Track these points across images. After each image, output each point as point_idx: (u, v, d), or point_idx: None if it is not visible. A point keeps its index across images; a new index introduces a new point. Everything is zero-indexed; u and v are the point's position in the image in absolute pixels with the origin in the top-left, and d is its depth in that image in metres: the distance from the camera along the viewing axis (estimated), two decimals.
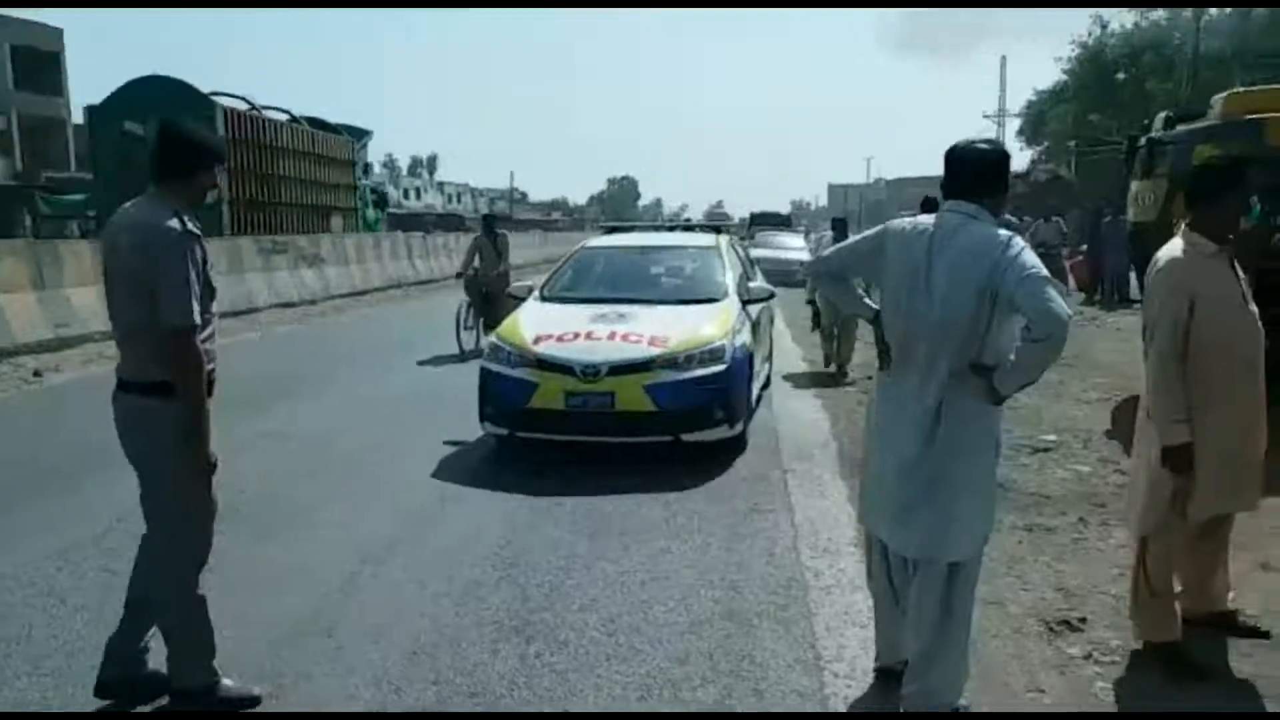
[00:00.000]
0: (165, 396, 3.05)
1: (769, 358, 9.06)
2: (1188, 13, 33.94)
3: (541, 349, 6.37)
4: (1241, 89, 8.33)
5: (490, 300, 11.32)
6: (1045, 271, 2.85)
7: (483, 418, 6.55)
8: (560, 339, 6.44)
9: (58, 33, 44.96)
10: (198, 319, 3.03)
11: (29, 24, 43.30)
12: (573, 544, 4.86)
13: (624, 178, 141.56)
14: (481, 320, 11.45)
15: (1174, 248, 3.46)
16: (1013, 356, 2.86)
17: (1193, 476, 3.36)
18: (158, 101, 19.39)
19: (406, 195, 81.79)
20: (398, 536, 5.00)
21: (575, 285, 7.91)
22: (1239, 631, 3.70)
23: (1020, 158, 48.83)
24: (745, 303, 7.40)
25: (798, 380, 9.83)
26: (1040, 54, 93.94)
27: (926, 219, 3.13)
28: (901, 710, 3.10)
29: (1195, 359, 3.36)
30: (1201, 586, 3.72)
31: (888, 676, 3.34)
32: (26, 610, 4.09)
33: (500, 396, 6.42)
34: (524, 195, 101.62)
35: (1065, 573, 4.43)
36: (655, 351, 6.26)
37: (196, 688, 3.23)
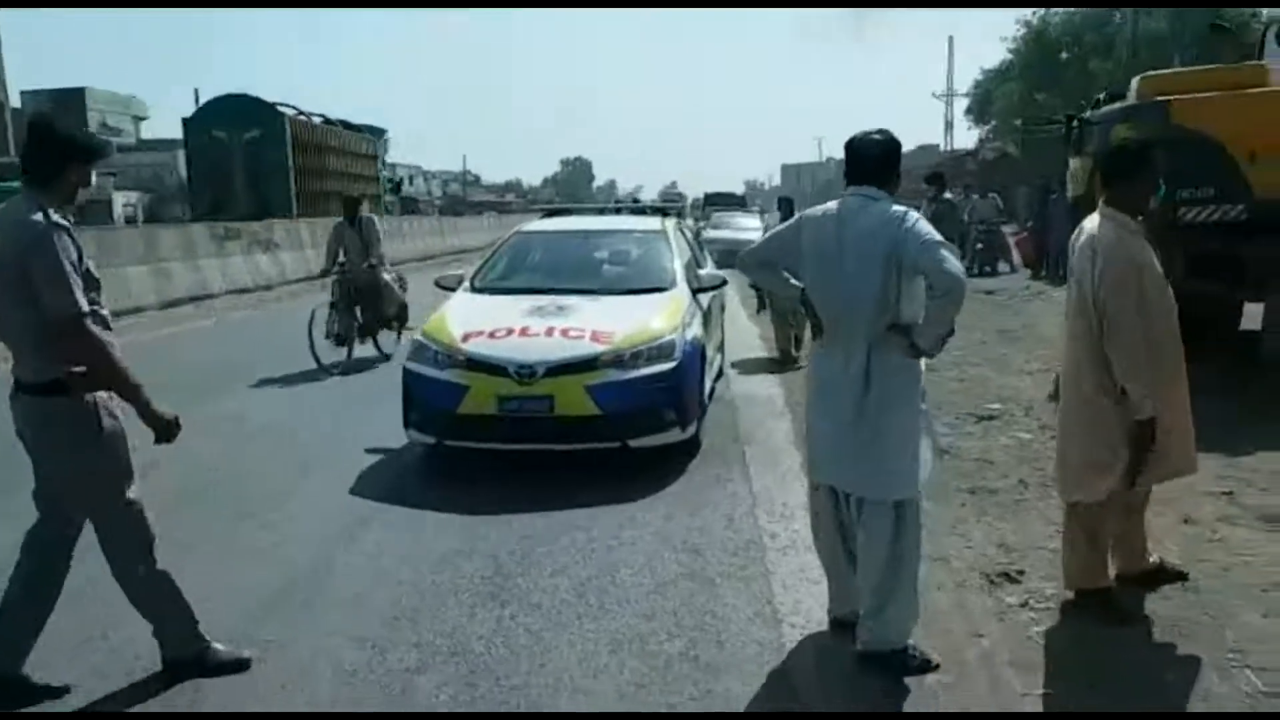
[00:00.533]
0: (61, 394, 3.08)
1: (721, 347, 8.47)
2: None
3: (471, 347, 5.79)
4: (1154, 72, 8.68)
5: (364, 298, 9.86)
6: (939, 237, 3.30)
7: (407, 424, 5.95)
8: (492, 335, 5.86)
9: None
10: (84, 305, 3.03)
11: None
12: (530, 522, 5.06)
13: (577, 159, 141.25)
14: (357, 325, 9.85)
15: (1103, 225, 3.64)
16: (923, 320, 3.32)
17: (1154, 448, 3.59)
18: (236, 113, 27.18)
19: None
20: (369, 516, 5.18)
21: (510, 274, 7.30)
22: (1165, 579, 3.99)
23: (969, 136, 49.63)
24: (695, 291, 6.91)
25: (751, 365, 9.71)
26: (987, 33, 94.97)
27: (833, 204, 3.51)
28: (858, 650, 3.37)
29: (1147, 333, 3.54)
30: (1128, 545, 3.99)
31: (841, 626, 3.60)
32: None
33: (426, 401, 5.84)
34: (477, 178, 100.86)
35: (1005, 530, 4.71)
36: (598, 349, 5.70)
37: (187, 657, 3.38)
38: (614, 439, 5.64)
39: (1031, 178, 29.60)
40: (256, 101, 27.71)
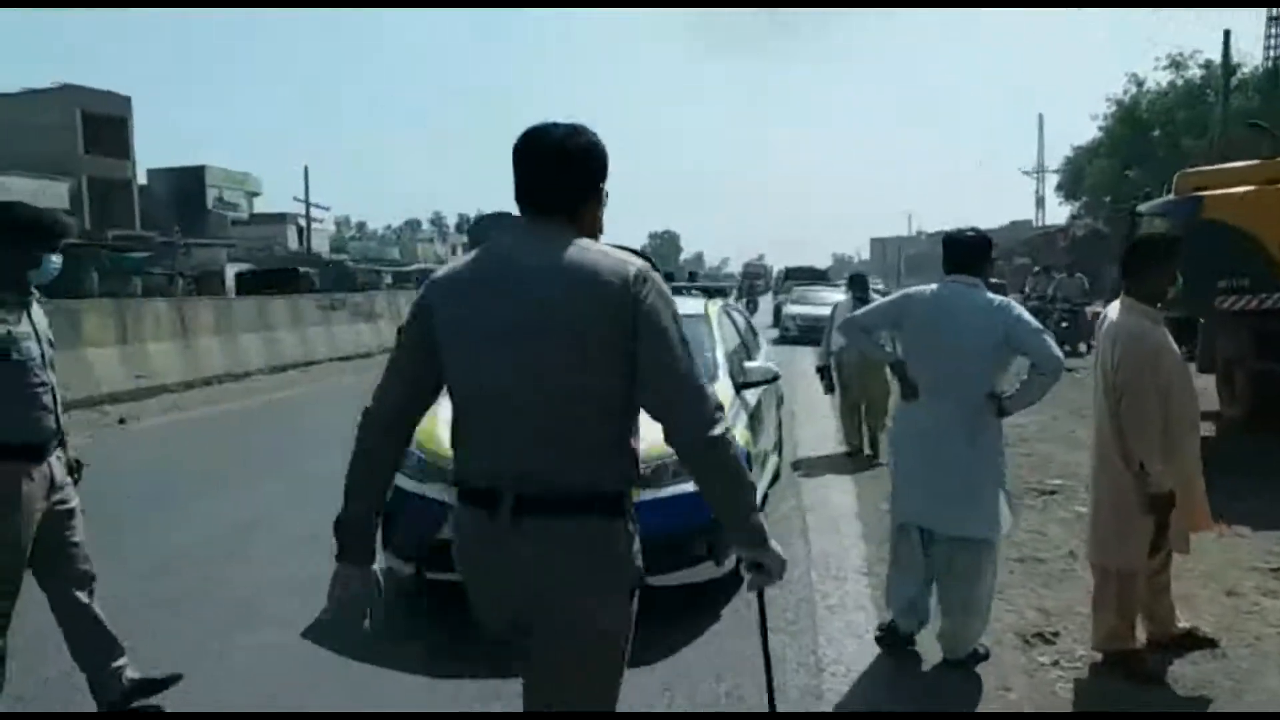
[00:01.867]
0: None
1: (778, 447, 7.78)
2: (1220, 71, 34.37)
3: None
4: (1193, 169, 9.07)
5: None
6: (1041, 326, 4.10)
7: (385, 544, 4.80)
8: None
9: (126, 100, 47.38)
10: None
11: (98, 92, 45.72)
12: None
13: (665, 232, 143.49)
14: None
15: (1124, 314, 3.98)
16: (1018, 386, 4.10)
17: (1167, 517, 3.89)
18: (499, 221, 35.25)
19: (454, 251, 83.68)
20: None
21: None
22: (1194, 644, 4.21)
23: (1060, 212, 49.13)
24: (740, 386, 6.08)
25: (819, 464, 8.65)
26: (1078, 110, 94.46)
27: (935, 286, 4.22)
28: (944, 657, 4.12)
29: (1165, 414, 3.85)
30: (1156, 610, 4.22)
31: (893, 636, 4.27)
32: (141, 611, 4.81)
33: (404, 521, 4.82)
34: None
35: (1048, 596, 4.96)
36: None
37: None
38: None
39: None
40: (508, 214, 41.60)
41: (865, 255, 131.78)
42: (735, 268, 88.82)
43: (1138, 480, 3.83)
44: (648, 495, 4.58)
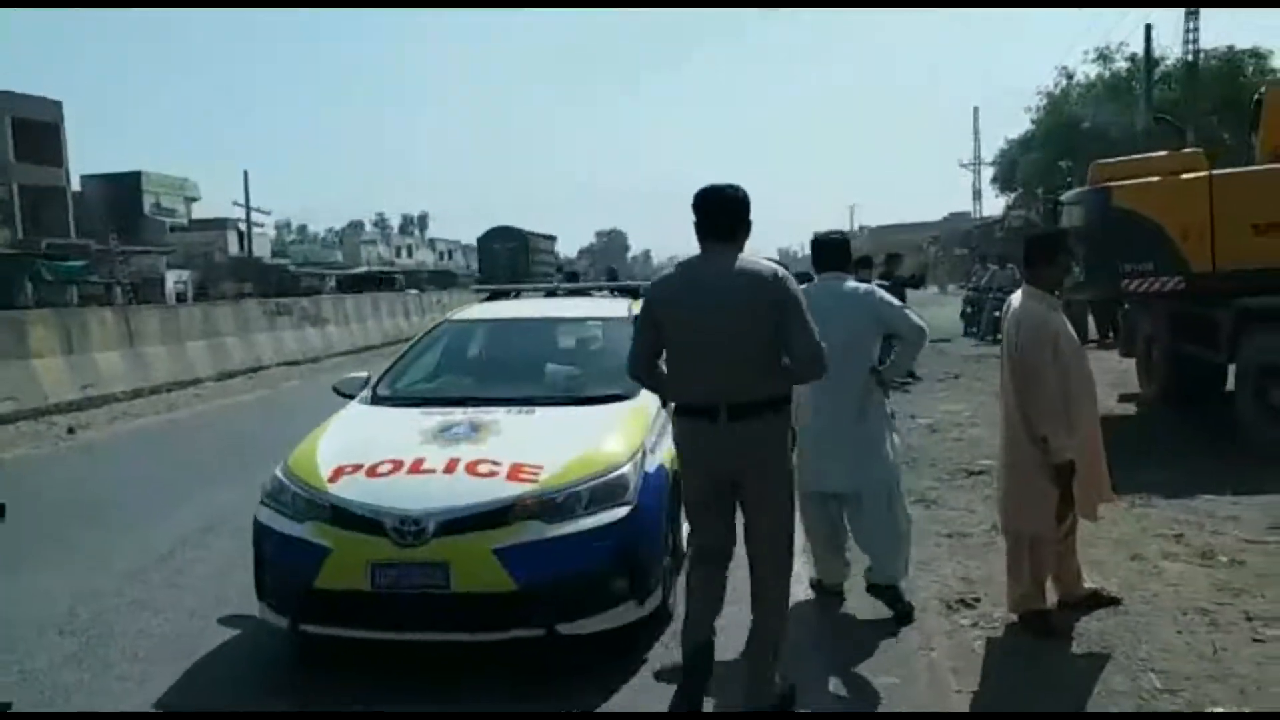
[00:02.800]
0: None
1: None
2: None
3: (338, 489, 4.19)
4: (1105, 161, 9.62)
5: None
6: (899, 303, 4.80)
7: (260, 594, 4.34)
8: (372, 472, 4.26)
9: (57, 105, 46.42)
10: None
11: (29, 98, 44.74)
12: None
13: (612, 230, 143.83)
14: None
15: (1025, 301, 4.38)
16: (893, 356, 4.87)
17: (1069, 485, 4.27)
18: (502, 233, 50.80)
19: (398, 253, 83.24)
20: None
21: (425, 377, 5.84)
22: (1100, 603, 4.61)
23: (996, 204, 50.38)
24: None
25: None
26: (1015, 103, 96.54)
27: (816, 283, 4.74)
28: (868, 582, 4.71)
29: (1064, 391, 4.24)
30: (1064, 573, 4.61)
31: (824, 591, 4.90)
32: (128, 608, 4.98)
33: (276, 567, 4.26)
34: None
35: (972, 567, 5.33)
36: (516, 490, 4.11)
37: None
38: (537, 624, 4.00)
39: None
40: (513, 228, 51.51)
41: (808, 251, 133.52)
42: None
43: (1040, 452, 4.22)
44: (557, 530, 4.04)
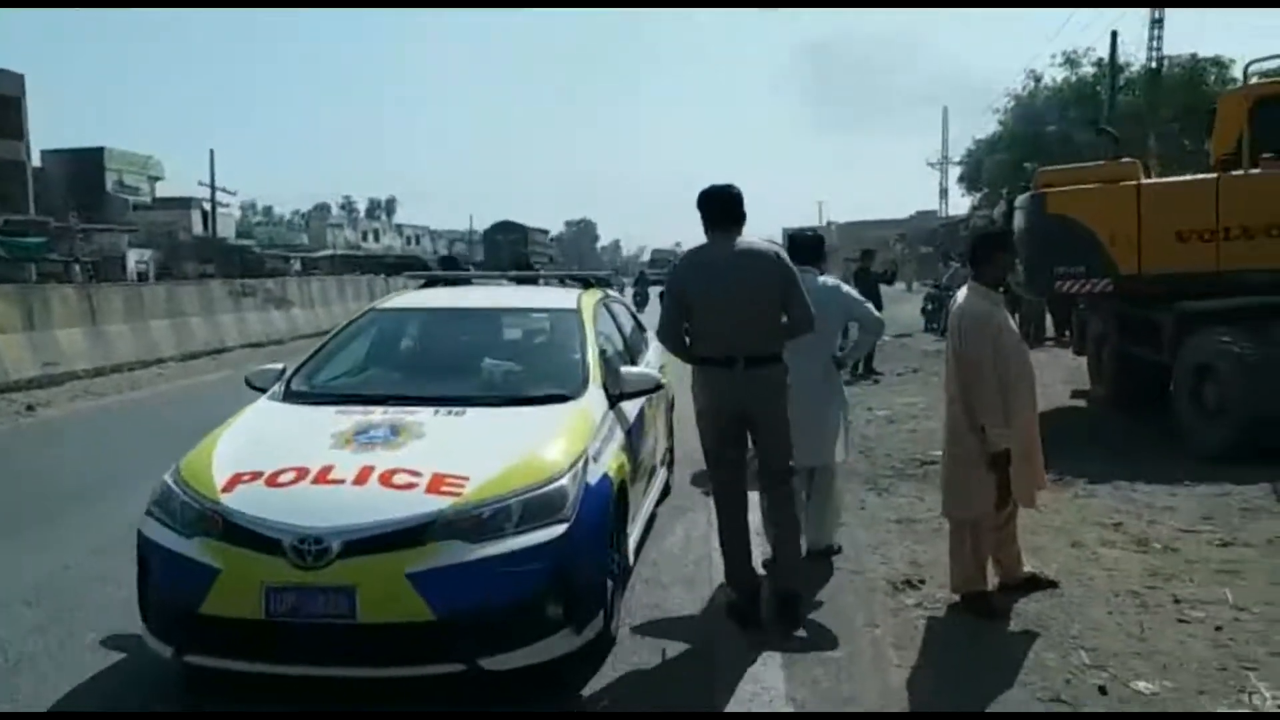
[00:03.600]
0: None
1: (668, 459, 6.71)
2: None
3: (231, 500, 3.72)
4: (1048, 167, 10.18)
5: None
6: (861, 297, 5.59)
7: (144, 616, 3.86)
8: (273, 480, 3.80)
9: (19, 79, 45.58)
10: None
11: None
12: None
13: (582, 220, 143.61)
14: None
15: (969, 296, 4.58)
16: (851, 344, 5.87)
17: (1006, 473, 4.47)
18: (503, 226, 73.64)
19: (365, 237, 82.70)
20: None
21: (346, 371, 5.26)
22: (1038, 586, 4.82)
23: (961, 204, 51.04)
24: (617, 398, 4.85)
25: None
26: (984, 105, 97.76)
27: None
28: (808, 549, 5.15)
29: (1003, 383, 4.44)
30: (1004, 557, 4.81)
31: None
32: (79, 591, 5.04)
33: (160, 588, 3.76)
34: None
35: (919, 552, 5.53)
36: (436, 505, 3.65)
37: None
38: (457, 657, 3.56)
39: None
40: (513, 223, 58.00)
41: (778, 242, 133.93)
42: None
43: (980, 441, 4.41)
44: (482, 550, 3.57)
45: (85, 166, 51.84)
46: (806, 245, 5.54)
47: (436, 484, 3.74)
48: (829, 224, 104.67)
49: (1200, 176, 8.84)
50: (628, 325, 6.51)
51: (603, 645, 4.06)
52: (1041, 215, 8.67)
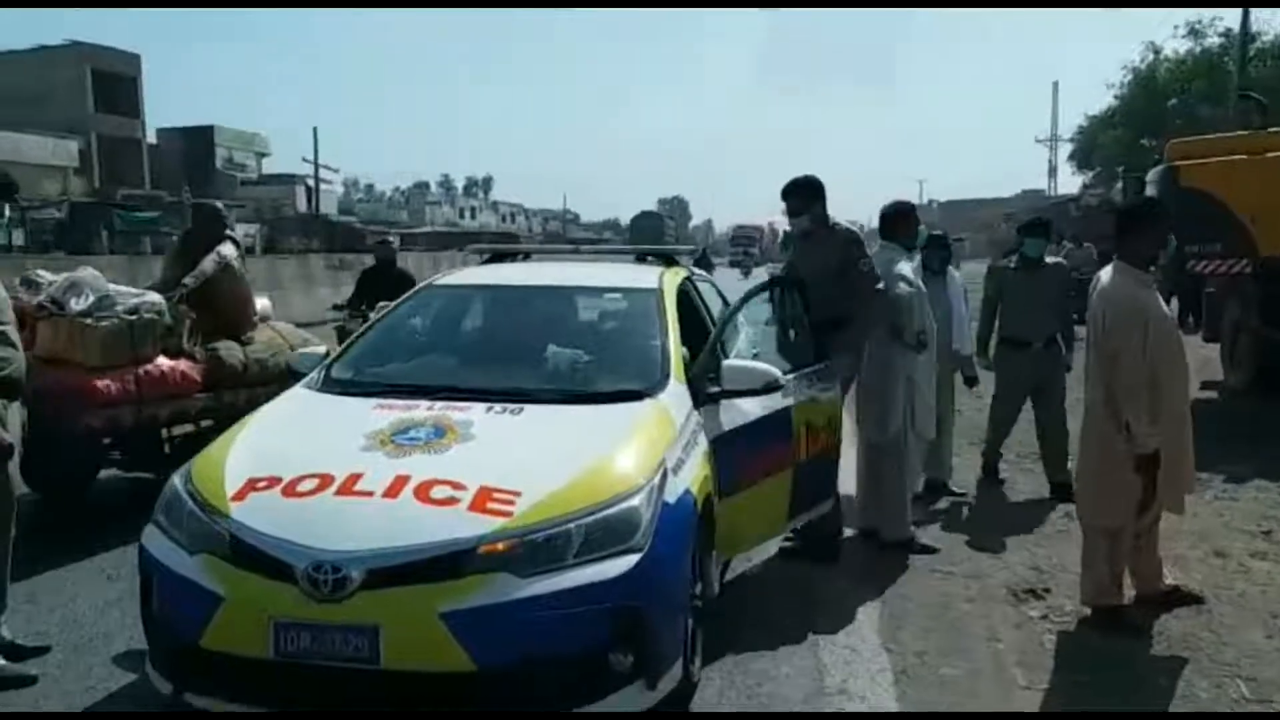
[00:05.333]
0: None
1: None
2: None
3: (243, 511, 3.13)
4: (1181, 139, 9.56)
5: None
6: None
7: (149, 642, 3.36)
8: (291, 488, 3.18)
9: (136, 58, 47.28)
10: None
11: (108, 50, 45.63)
12: None
13: (675, 198, 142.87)
14: None
15: (1114, 277, 4.05)
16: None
17: (1154, 476, 3.98)
18: (651, 216, 66.99)
19: (462, 215, 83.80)
20: None
21: (391, 356, 4.47)
22: (1180, 601, 4.32)
23: (1073, 182, 48.94)
24: (708, 397, 3.93)
25: None
26: (1094, 79, 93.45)
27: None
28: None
29: (1153, 377, 3.92)
30: (1143, 568, 4.31)
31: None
32: None
33: (159, 616, 3.23)
34: (576, 216, 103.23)
35: (1041, 555, 5.06)
36: (481, 527, 2.99)
37: None
38: (500, 708, 2.99)
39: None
40: (652, 212, 60.08)
41: (875, 223, 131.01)
42: None
43: (1125, 440, 3.92)
44: (535, 586, 2.91)
45: (196, 144, 53.38)
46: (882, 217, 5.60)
47: (482, 500, 3.06)
48: (930, 202, 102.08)
49: None
50: (718, 310, 5.32)
51: (682, 693, 3.32)
52: (1174, 190, 8.11)
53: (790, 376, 4.34)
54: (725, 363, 4.04)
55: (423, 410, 3.63)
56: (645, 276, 4.74)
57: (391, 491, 3.11)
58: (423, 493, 3.10)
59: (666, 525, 3.17)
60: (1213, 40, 38.65)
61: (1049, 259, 6.63)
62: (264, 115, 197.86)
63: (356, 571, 2.90)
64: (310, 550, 2.94)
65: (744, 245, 44.97)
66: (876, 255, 5.24)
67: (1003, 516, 5.77)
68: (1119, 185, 36.45)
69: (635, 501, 3.13)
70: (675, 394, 3.81)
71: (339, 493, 3.13)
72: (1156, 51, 41.40)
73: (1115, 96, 43.40)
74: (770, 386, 4.01)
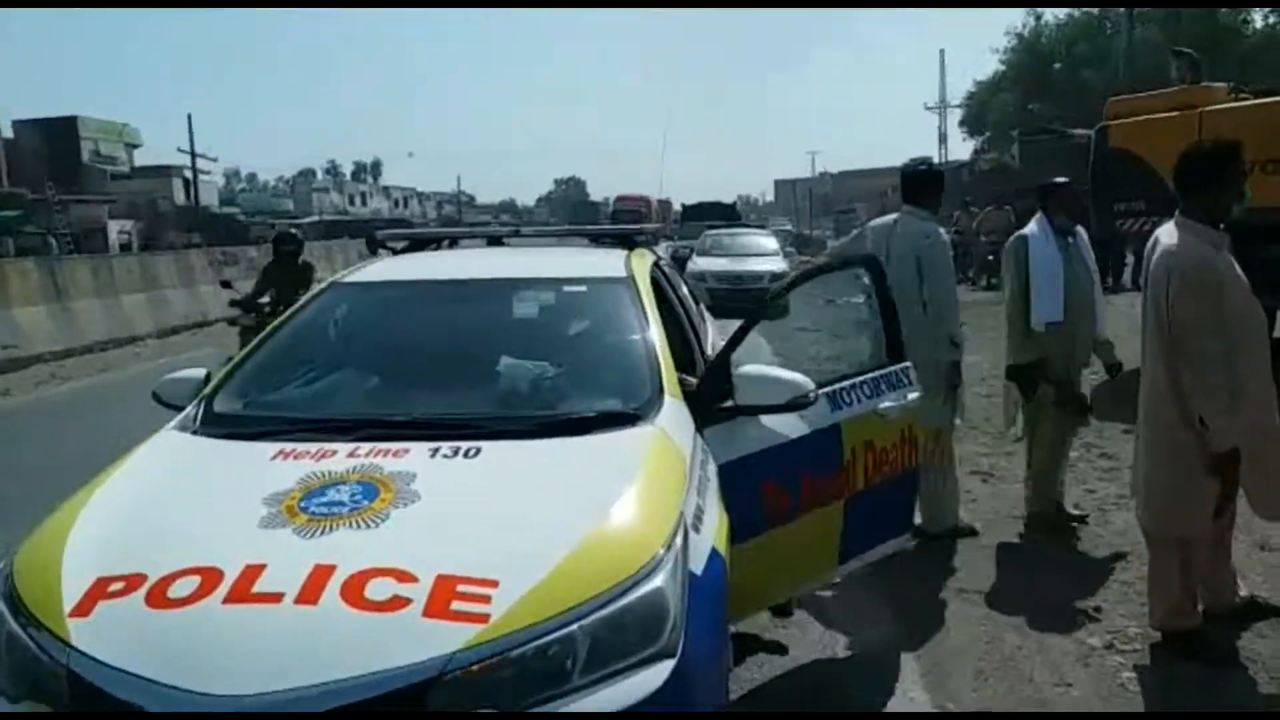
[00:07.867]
0: None
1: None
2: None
3: (85, 631, 2.02)
4: (1119, 96, 9.51)
5: None
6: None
7: None
8: (159, 592, 2.07)
9: None
10: None
11: None
12: None
13: (571, 178, 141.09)
14: None
15: (1181, 237, 3.36)
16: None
17: (1235, 477, 3.32)
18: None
19: (352, 201, 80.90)
20: None
21: (287, 378, 3.33)
22: (1257, 614, 3.72)
23: (964, 148, 49.70)
24: (715, 416, 3.03)
25: None
26: (980, 45, 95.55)
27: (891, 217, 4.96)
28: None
29: (1230, 357, 3.25)
30: (1215, 580, 3.69)
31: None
32: None
33: None
34: (471, 198, 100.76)
35: (1072, 561, 4.43)
36: (446, 644, 1.93)
37: None
38: None
39: (1031, 187, 29.46)
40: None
41: (770, 197, 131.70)
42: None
43: (1201, 438, 3.26)
44: None
45: (58, 136, 49.93)
46: (908, 179, 4.98)
47: (443, 598, 2.01)
48: (822, 174, 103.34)
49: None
50: (690, 302, 4.42)
51: None
52: (1103, 149, 8.22)
53: (838, 385, 3.37)
54: (741, 369, 3.04)
55: (342, 457, 2.54)
56: (609, 263, 3.75)
57: (309, 593, 2.01)
58: (353, 592, 2.02)
59: (700, 608, 2.18)
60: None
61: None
62: (131, 104, 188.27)
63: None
64: (189, 696, 1.87)
65: (625, 221, 41.73)
66: (904, 223, 4.77)
67: (1009, 512, 5.13)
68: (1014, 148, 37.18)
69: (659, 581, 2.13)
70: (674, 415, 2.84)
71: (231, 598, 2.02)
72: (1038, 16, 42.15)
73: (1001, 62, 44.07)
74: (796, 403, 2.99)
